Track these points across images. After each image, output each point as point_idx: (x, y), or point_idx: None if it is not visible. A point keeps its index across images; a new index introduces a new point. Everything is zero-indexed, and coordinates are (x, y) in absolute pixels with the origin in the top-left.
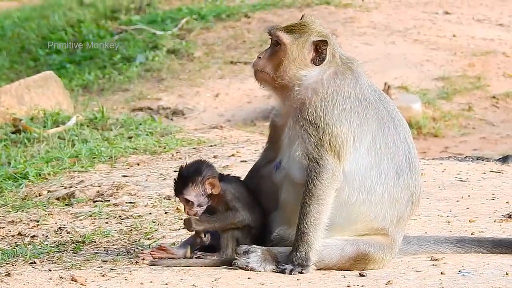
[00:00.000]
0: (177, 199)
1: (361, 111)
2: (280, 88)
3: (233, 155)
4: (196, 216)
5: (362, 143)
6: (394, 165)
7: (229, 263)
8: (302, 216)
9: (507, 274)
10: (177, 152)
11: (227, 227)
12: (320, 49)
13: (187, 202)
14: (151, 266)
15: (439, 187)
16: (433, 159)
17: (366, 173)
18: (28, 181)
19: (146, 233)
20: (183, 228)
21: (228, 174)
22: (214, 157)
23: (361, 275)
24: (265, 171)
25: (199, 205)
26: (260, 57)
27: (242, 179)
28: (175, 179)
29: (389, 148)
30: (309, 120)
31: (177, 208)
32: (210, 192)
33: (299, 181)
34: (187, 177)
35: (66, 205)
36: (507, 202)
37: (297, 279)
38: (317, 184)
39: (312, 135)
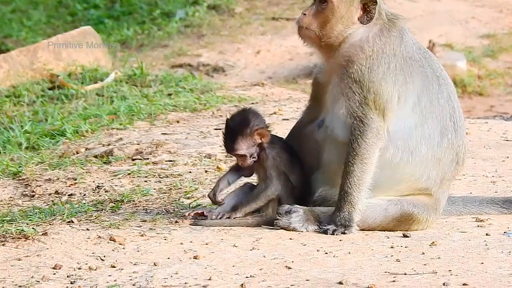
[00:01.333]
0: (228, 154)
1: (406, 69)
2: (325, 46)
3: (274, 113)
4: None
5: (407, 102)
6: (438, 124)
7: (270, 223)
8: (346, 175)
9: None
10: (217, 110)
11: (263, 203)
12: (368, 8)
13: (240, 156)
14: (192, 226)
15: (484, 147)
16: (478, 118)
17: (410, 132)
18: (66, 139)
19: (186, 192)
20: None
21: (273, 135)
22: None
23: (404, 235)
24: (308, 130)
25: (252, 156)
26: (305, 14)
27: (284, 138)
28: (223, 134)
29: (434, 107)
30: (354, 78)
31: (217, 166)
32: (260, 141)
33: (343, 140)
34: (234, 130)
35: (104, 163)
36: None
37: (340, 240)
38: (361, 143)
39: (356, 93)
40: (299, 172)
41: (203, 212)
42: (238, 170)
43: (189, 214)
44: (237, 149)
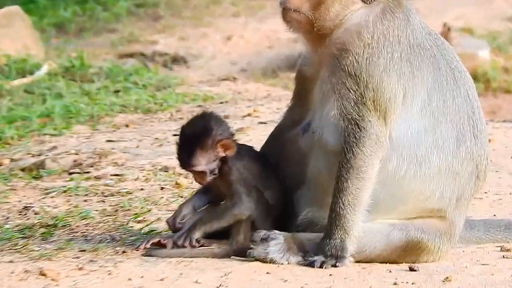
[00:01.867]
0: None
1: (413, 60)
2: (317, 31)
3: (249, 114)
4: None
5: (415, 101)
6: (454, 128)
7: (242, 253)
8: (338, 193)
9: None
10: (177, 111)
11: (229, 223)
12: None
13: (197, 173)
14: (143, 257)
15: (511, 157)
16: (504, 121)
17: (419, 138)
18: None
19: (136, 214)
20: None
21: (240, 144)
22: (225, 117)
23: (411, 269)
24: (290, 135)
25: (212, 172)
26: None
27: (257, 149)
28: (178, 145)
29: (448, 107)
30: (349, 71)
31: (176, 182)
32: (224, 154)
33: (334, 149)
34: (192, 141)
35: (34, 178)
36: None
37: (330, 275)
38: (357, 152)
39: (351, 90)
40: (276, 188)
41: (159, 240)
42: (206, 193)
43: (144, 247)
44: (194, 165)
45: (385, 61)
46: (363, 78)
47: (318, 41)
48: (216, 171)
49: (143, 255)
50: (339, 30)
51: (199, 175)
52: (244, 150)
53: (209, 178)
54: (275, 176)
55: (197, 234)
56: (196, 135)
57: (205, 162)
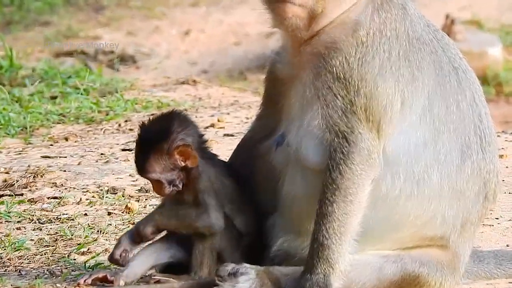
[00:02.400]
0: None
1: (413, 58)
2: (305, 27)
3: (212, 125)
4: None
5: (414, 108)
6: (458, 140)
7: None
8: (321, 219)
9: None
10: (126, 121)
11: (186, 229)
12: None
13: (154, 182)
14: None
15: None
16: None
17: (417, 152)
18: None
19: (79, 244)
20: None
21: (211, 153)
22: None
23: None
24: (259, 149)
25: (171, 183)
26: None
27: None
28: (135, 146)
29: (452, 115)
30: (337, 73)
31: (126, 206)
32: (184, 164)
33: (314, 166)
34: (147, 143)
35: None
36: None
37: None
38: (344, 171)
39: (339, 96)
40: (249, 213)
41: (105, 275)
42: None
43: (85, 281)
44: (148, 171)
45: (381, 62)
46: (354, 82)
47: (302, 37)
48: (178, 183)
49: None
50: (329, 26)
51: (156, 185)
52: (216, 158)
53: (168, 190)
54: (248, 199)
55: (149, 228)
56: (151, 137)
57: (159, 170)
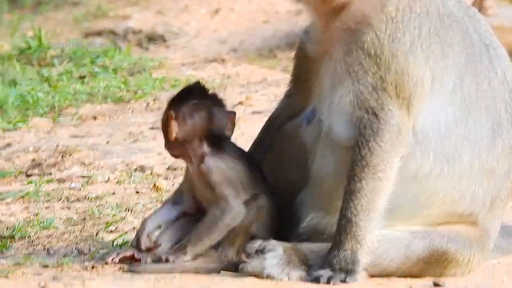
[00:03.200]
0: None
1: (443, 35)
2: (336, 3)
3: (241, 103)
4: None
5: (444, 85)
6: (489, 118)
7: (234, 268)
8: (350, 196)
9: None
10: (154, 99)
11: (222, 235)
12: None
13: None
14: (117, 274)
15: None
16: None
17: (447, 130)
18: None
19: (107, 223)
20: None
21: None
22: None
23: (436, 284)
24: (289, 127)
25: (188, 141)
26: None
27: (244, 144)
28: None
29: (483, 93)
30: (368, 49)
31: (155, 185)
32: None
33: (344, 143)
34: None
35: None
36: None
37: None
38: (374, 147)
39: (370, 73)
40: (267, 191)
41: (133, 254)
42: (176, 203)
43: (112, 260)
44: (170, 133)
45: (412, 38)
46: (385, 58)
47: (332, 14)
48: (194, 146)
49: (124, 271)
50: (357, 1)
51: (176, 148)
52: (224, 146)
53: (180, 133)
54: (262, 177)
55: (187, 258)
56: (198, 98)
57: (188, 124)
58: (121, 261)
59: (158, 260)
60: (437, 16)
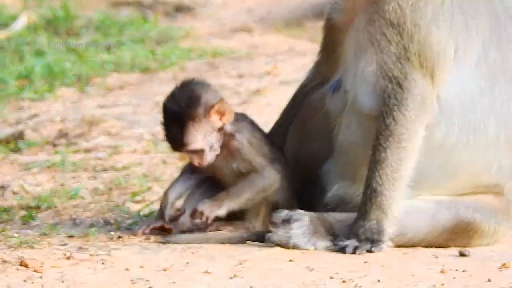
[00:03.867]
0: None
1: (466, 7)
2: None
3: (268, 72)
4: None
5: (468, 56)
6: None
7: (260, 238)
8: (374, 165)
9: None
10: (181, 69)
11: (257, 198)
12: None
13: (195, 153)
14: (142, 244)
15: None
16: None
17: (472, 101)
18: None
19: (133, 193)
20: (194, 226)
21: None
22: (239, 76)
23: (462, 254)
24: (315, 97)
25: (212, 148)
26: None
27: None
28: (164, 125)
29: (508, 63)
30: (390, 19)
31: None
32: (221, 123)
33: (370, 112)
34: (181, 114)
35: (12, 151)
36: None
37: (365, 262)
38: (398, 117)
39: (393, 42)
40: (285, 160)
41: (163, 225)
42: (193, 172)
43: (143, 231)
44: (189, 143)
45: (434, 8)
46: (407, 28)
47: None
48: (217, 147)
49: (161, 242)
50: None
51: (197, 155)
52: (241, 117)
53: (210, 156)
54: (278, 146)
55: (222, 211)
56: (183, 107)
57: (201, 136)
58: (151, 232)
59: (190, 228)
60: None
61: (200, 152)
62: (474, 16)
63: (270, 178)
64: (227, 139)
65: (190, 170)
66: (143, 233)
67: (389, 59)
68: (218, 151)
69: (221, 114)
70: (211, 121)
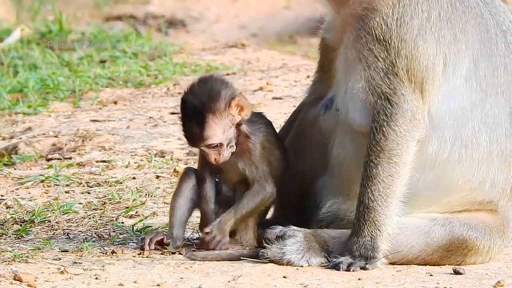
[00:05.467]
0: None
1: (455, 21)
2: None
3: (261, 88)
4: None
5: (458, 70)
6: (506, 102)
7: (254, 255)
8: (366, 181)
9: None
10: (174, 84)
11: (259, 209)
12: None
13: (213, 148)
14: (136, 259)
15: None
16: None
17: (464, 115)
18: None
19: (127, 207)
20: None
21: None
22: None
23: (456, 272)
24: (310, 113)
25: (229, 144)
26: None
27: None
28: (183, 120)
29: (499, 77)
30: (376, 34)
31: (175, 169)
32: (240, 117)
33: (360, 129)
34: (201, 109)
35: (5, 165)
36: None
37: (359, 279)
38: (388, 133)
39: (380, 58)
40: (290, 167)
41: (163, 239)
42: (192, 179)
43: (149, 247)
44: (209, 137)
45: (420, 22)
46: (394, 43)
47: (341, 0)
48: (233, 143)
49: (189, 258)
50: None
51: (215, 150)
52: (258, 118)
53: (227, 152)
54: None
55: (229, 229)
56: (204, 101)
57: (221, 131)
58: (155, 246)
59: (202, 246)
60: (448, 1)
61: (218, 147)
62: (463, 30)
63: (269, 191)
64: (242, 139)
65: (187, 178)
66: (150, 249)
67: (377, 75)
68: (234, 148)
69: (241, 107)
70: (231, 115)
